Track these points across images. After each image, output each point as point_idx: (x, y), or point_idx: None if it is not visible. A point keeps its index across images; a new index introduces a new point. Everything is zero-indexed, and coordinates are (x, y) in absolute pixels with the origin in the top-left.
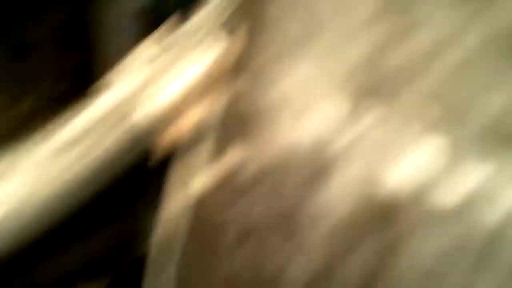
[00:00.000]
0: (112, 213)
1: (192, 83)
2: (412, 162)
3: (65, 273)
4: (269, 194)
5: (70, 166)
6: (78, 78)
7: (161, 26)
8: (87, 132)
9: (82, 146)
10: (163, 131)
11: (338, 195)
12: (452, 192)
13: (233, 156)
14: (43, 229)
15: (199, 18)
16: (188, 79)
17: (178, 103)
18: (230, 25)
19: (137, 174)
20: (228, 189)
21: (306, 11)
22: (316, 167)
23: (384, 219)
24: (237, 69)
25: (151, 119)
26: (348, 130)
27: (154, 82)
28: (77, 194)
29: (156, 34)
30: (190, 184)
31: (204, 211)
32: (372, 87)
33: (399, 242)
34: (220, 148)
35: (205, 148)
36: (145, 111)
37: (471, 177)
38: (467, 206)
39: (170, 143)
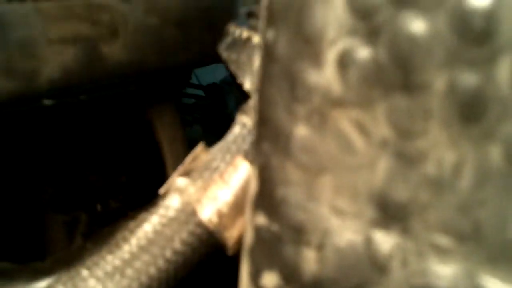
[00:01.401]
0: None
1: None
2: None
3: None
4: None
5: (142, 270)
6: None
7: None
8: (155, 236)
9: (151, 251)
10: (230, 226)
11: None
12: None
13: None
14: None
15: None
16: (233, 188)
17: (238, 201)
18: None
19: (210, 269)
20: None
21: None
22: (367, 271)
23: None
24: (261, 200)
25: (216, 216)
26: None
27: (209, 188)
28: None
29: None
30: (257, 281)
31: None
32: (386, 217)
33: None
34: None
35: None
36: (209, 209)
37: None
38: None
39: (238, 237)
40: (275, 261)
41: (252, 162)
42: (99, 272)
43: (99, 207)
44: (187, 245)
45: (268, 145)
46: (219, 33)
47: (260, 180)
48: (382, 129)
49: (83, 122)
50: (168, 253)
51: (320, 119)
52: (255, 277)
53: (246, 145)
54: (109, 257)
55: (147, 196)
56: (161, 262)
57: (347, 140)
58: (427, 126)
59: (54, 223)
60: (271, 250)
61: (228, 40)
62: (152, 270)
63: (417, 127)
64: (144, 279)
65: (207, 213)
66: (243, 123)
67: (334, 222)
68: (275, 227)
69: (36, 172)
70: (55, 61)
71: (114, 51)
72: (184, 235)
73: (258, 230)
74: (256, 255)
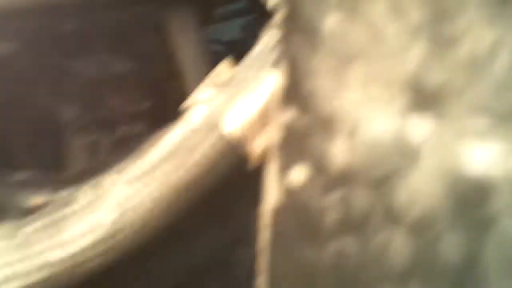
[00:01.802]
0: (213, 218)
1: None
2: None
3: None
4: (361, 184)
5: (163, 180)
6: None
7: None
8: (178, 147)
9: (173, 161)
10: (253, 138)
11: (427, 181)
12: None
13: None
14: (145, 238)
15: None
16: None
17: (261, 113)
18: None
19: (234, 180)
20: (323, 179)
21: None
22: (398, 159)
23: (476, 199)
24: (291, 95)
25: (239, 128)
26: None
27: (234, 99)
28: (173, 206)
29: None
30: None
31: (301, 199)
32: (420, 102)
33: (492, 222)
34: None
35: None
36: (233, 122)
37: None
38: None
39: (262, 149)
40: (305, 154)
41: (280, 57)
42: (121, 180)
43: (121, 131)
44: (209, 157)
45: (298, 37)
46: None
47: (289, 74)
48: (417, 12)
49: (107, 45)
50: (190, 165)
51: (351, 5)
52: (284, 173)
53: (271, 59)
54: (130, 167)
55: (170, 122)
56: (182, 173)
57: (380, 26)
58: (463, 6)
59: (75, 146)
60: (300, 143)
61: None
62: (174, 181)
63: (453, 7)
64: (165, 189)
65: (231, 125)
66: (268, 38)
67: (365, 111)
68: (304, 120)
69: (58, 92)
70: None
71: None
72: (206, 147)
73: (286, 126)
74: (284, 151)
